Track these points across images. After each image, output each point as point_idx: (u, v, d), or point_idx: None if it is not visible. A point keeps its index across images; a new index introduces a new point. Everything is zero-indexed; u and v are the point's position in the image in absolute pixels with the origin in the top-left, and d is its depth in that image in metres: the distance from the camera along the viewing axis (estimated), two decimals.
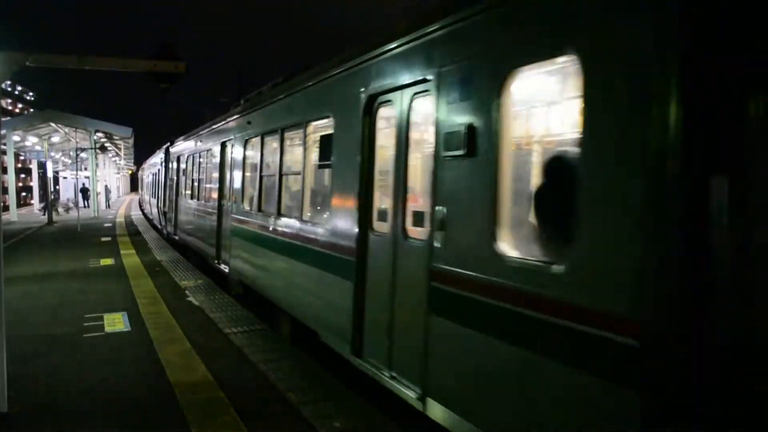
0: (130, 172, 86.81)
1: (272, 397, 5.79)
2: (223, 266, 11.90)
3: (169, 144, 22.17)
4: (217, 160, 12.70)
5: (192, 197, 16.09)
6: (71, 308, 9.71)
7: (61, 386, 6.13)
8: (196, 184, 15.68)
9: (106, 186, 50.75)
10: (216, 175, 12.79)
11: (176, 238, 18.88)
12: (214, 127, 13.78)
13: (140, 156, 62.97)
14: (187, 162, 17.53)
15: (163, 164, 23.17)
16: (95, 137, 35.41)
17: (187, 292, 11.16)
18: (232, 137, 11.58)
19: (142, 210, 41.94)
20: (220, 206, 12.32)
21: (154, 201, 28.68)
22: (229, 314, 9.30)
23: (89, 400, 5.73)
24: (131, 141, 45.16)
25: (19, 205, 39.42)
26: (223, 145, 12.37)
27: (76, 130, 34.29)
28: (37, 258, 16.42)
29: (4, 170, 34.99)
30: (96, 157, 38.00)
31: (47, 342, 7.75)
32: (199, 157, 15.41)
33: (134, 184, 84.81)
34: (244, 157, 10.65)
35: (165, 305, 9.91)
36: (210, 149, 13.88)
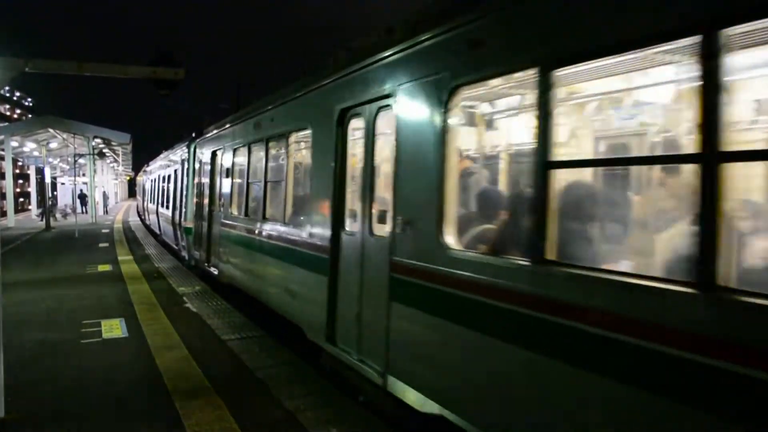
0: (128, 177, 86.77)
1: (271, 403, 5.78)
2: (358, 359, 5.86)
3: (194, 135, 15.80)
4: (324, 150, 6.74)
5: (252, 213, 9.83)
6: (69, 314, 9.68)
7: (59, 392, 6.11)
8: (260, 193, 9.39)
9: (104, 192, 50.70)
10: (318, 179, 6.94)
11: (213, 271, 12.53)
12: (306, 90, 7.56)
13: (138, 162, 63.03)
14: (235, 158, 11.22)
15: (187, 163, 16.08)
16: (93, 143, 35.42)
17: (184, 298, 11.14)
18: (388, 95, 5.43)
19: (141, 219, 37.29)
20: (336, 236, 6.41)
21: (165, 212, 21.24)
22: (227, 321, 9.29)
23: (86, 407, 5.72)
24: (129, 147, 45.21)
25: (16, 211, 39.36)
26: (345, 118, 6.34)
27: (74, 135, 34.34)
28: (34, 264, 16.37)
29: (2, 176, 35.08)
30: (94, 163, 37.98)
31: (45, 348, 7.73)
32: (267, 148, 9.04)
33: (132, 190, 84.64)
34: (444, 132, 4.58)
35: (162, 312, 9.90)
36: (297, 133, 7.97)
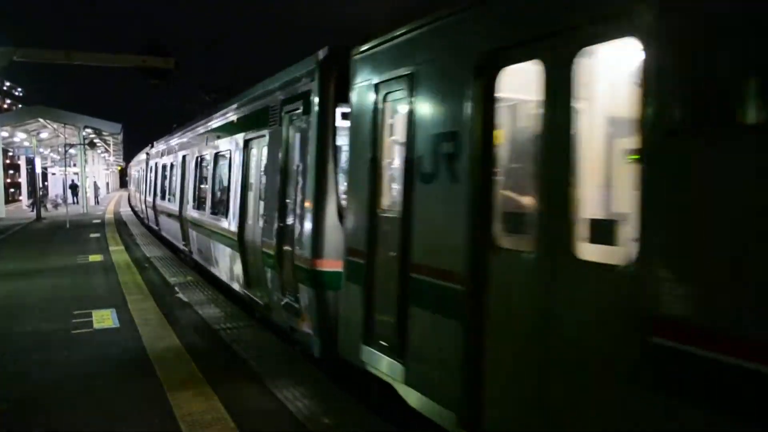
0: (119, 168, 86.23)
1: (263, 393, 5.80)
2: None
3: (332, 51, 6.38)
4: None
5: None
6: (60, 305, 9.64)
7: (50, 383, 6.10)
8: None
9: (95, 183, 50.44)
10: None
11: None
12: None
13: (129, 152, 62.64)
14: None
15: (314, 120, 6.46)
16: (84, 133, 35.18)
17: (176, 288, 11.12)
18: None
19: (139, 218, 29.02)
20: None
21: (211, 221, 11.33)
22: (219, 311, 9.28)
23: (77, 398, 5.71)
24: (120, 137, 44.94)
25: (7, 202, 39.10)
26: None
27: (65, 126, 34.11)
28: (25, 254, 16.29)
29: None
30: (85, 153, 37.73)
31: (36, 339, 7.70)
32: None
33: (123, 180, 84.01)
34: None
35: (154, 301, 9.87)
36: None
